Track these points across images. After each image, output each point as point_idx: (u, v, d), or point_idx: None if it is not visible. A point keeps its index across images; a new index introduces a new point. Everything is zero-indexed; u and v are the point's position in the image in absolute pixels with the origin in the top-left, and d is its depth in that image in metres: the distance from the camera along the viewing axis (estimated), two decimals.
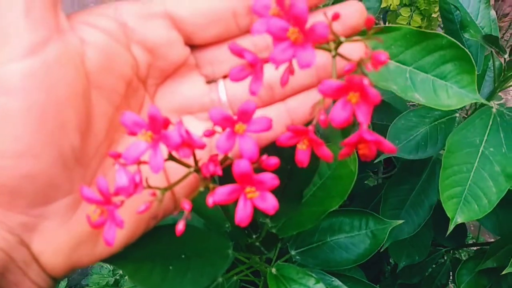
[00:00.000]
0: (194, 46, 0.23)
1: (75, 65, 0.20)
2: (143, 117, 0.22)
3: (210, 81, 0.24)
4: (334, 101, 0.18)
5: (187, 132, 0.18)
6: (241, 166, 0.18)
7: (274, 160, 0.19)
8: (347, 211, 0.57)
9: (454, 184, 0.45)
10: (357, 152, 0.19)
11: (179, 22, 0.22)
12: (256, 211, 0.19)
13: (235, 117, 0.19)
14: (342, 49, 0.19)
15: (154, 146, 0.18)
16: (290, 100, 0.24)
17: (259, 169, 0.19)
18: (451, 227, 0.44)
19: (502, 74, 0.55)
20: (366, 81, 0.16)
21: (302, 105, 0.23)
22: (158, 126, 0.18)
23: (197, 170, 0.20)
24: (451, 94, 0.31)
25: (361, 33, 0.22)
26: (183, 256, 0.29)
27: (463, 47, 0.31)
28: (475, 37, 0.50)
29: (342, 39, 0.18)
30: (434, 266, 0.82)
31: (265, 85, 0.23)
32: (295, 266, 0.49)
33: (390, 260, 0.90)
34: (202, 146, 0.19)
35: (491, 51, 0.61)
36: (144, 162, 0.18)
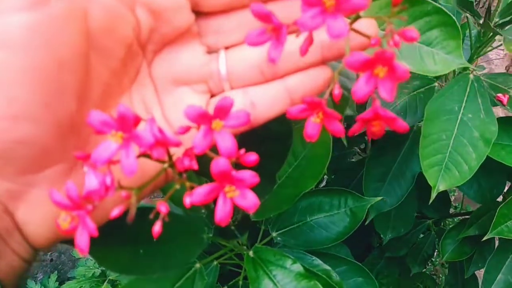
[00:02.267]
0: (200, 13, 0.22)
1: (79, 23, 0.18)
2: (139, 85, 0.22)
3: (211, 51, 0.23)
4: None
5: (160, 130, 0.17)
6: (220, 164, 0.17)
7: (253, 157, 0.19)
8: (326, 190, 0.57)
9: (434, 152, 0.44)
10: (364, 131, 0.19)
11: None
12: None
13: (211, 113, 0.18)
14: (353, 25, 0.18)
15: (126, 147, 0.17)
16: (289, 78, 0.22)
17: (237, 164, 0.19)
18: (433, 195, 0.44)
19: (479, 40, 0.55)
20: (395, 56, 0.16)
21: (302, 84, 0.22)
22: (128, 125, 0.17)
23: (172, 165, 0.19)
24: (438, 60, 0.30)
25: None
26: (154, 240, 0.28)
27: (449, 13, 0.30)
28: (450, 2, 0.49)
29: (361, 13, 0.17)
30: (420, 237, 0.83)
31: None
32: (272, 248, 0.49)
33: (381, 236, 0.91)
34: (177, 144, 0.18)
35: (467, 20, 0.60)
36: (115, 162, 0.17)
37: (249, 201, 0.18)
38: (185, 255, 0.33)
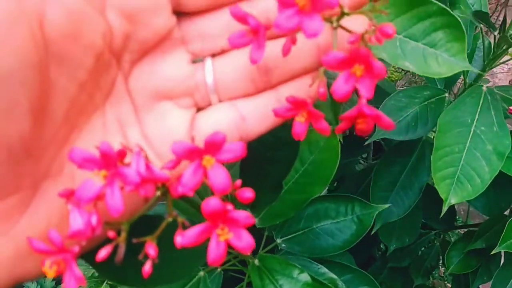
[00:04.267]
0: (182, 15, 0.19)
1: (30, 27, 0.16)
2: (114, 101, 0.19)
3: (196, 60, 0.20)
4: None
5: (148, 166, 0.16)
6: (212, 204, 0.16)
7: (249, 193, 0.18)
8: (333, 197, 0.56)
9: (446, 165, 0.44)
10: (352, 130, 0.18)
11: None
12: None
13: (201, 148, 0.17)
14: (343, 22, 0.17)
15: (110, 185, 0.16)
16: (282, 88, 0.20)
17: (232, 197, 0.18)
18: (444, 208, 0.43)
19: (492, 52, 0.54)
20: (371, 54, 0.16)
21: (295, 93, 0.20)
22: (112, 163, 0.16)
23: (165, 191, 0.18)
24: (441, 62, 0.30)
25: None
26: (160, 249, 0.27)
27: (454, 14, 0.30)
28: (465, 14, 0.48)
29: (346, 10, 0.17)
30: (423, 248, 0.82)
31: (261, 68, 0.20)
32: (278, 256, 0.48)
33: (381, 246, 0.90)
34: (166, 181, 0.17)
35: (480, 30, 0.60)
36: (101, 199, 0.16)
37: (244, 242, 0.17)
38: (191, 264, 0.32)
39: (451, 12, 0.31)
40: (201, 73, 0.20)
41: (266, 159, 0.32)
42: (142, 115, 0.20)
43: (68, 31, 0.17)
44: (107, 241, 0.18)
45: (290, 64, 0.19)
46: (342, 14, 0.17)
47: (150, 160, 0.17)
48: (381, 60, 0.29)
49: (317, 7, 0.15)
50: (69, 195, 0.17)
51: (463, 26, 0.29)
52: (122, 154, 0.17)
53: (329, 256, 0.54)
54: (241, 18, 0.17)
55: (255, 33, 0.17)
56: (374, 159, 0.86)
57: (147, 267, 0.17)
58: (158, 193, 0.18)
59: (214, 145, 0.17)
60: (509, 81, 1.85)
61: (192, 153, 0.17)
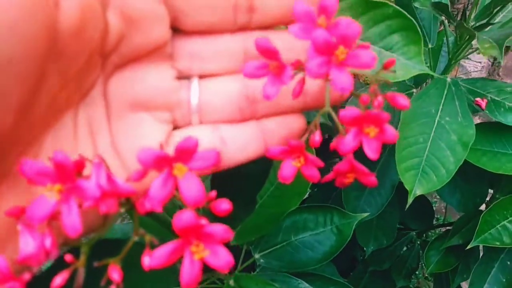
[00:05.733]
0: (177, 31, 0.19)
1: (47, 17, 0.14)
2: (88, 103, 0.18)
3: (182, 77, 0.20)
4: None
5: (110, 178, 0.15)
6: (184, 218, 0.14)
7: (225, 205, 0.16)
8: (310, 207, 0.54)
9: (410, 155, 0.43)
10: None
11: None
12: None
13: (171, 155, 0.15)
14: None
15: (66, 201, 0.14)
16: (266, 121, 0.20)
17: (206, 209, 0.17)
18: (410, 199, 0.42)
19: (456, 44, 0.54)
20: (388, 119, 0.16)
21: (278, 129, 0.20)
22: (68, 175, 0.14)
23: (130, 208, 0.16)
24: (398, 66, 0.29)
25: None
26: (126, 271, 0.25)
27: (409, 16, 0.29)
28: (425, 5, 0.48)
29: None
30: (404, 250, 0.81)
31: (249, 98, 0.20)
32: (254, 275, 0.46)
33: (364, 248, 0.89)
34: (131, 194, 0.15)
35: (444, 27, 0.60)
36: (57, 217, 0.14)
37: (222, 260, 0.15)
38: (161, 285, 0.30)
39: (407, 14, 0.30)
40: (185, 91, 0.19)
41: (238, 173, 0.31)
42: (114, 123, 0.19)
43: (77, 26, 0.15)
44: (62, 265, 0.15)
45: (278, 100, 0.19)
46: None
47: (112, 172, 0.15)
48: None
49: (349, 62, 0.16)
50: (19, 213, 0.15)
51: (418, 28, 0.29)
52: (79, 165, 0.15)
53: (310, 268, 0.52)
54: (267, 51, 0.17)
55: (279, 70, 0.17)
56: None
57: None
58: (122, 209, 0.16)
59: (186, 152, 0.15)
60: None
61: (162, 162, 0.15)
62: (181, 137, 0.18)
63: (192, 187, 0.15)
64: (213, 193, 0.17)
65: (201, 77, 0.19)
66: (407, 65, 0.31)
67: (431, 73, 0.35)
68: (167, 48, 0.19)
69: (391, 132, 0.16)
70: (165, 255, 0.14)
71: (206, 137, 0.19)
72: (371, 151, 0.16)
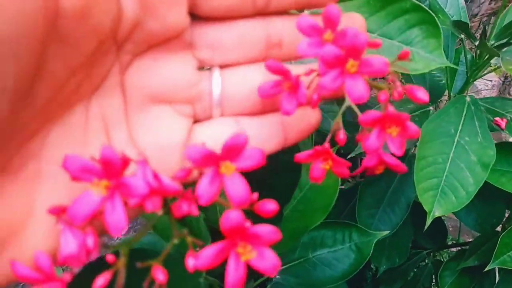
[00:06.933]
0: (196, 18, 0.18)
1: None
2: (102, 95, 0.17)
3: (203, 68, 0.19)
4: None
5: (156, 175, 0.14)
6: (232, 219, 0.14)
7: (271, 205, 0.16)
8: (329, 224, 0.52)
9: (429, 175, 0.42)
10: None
11: None
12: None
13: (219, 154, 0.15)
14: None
15: (111, 198, 0.14)
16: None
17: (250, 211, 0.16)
18: (428, 221, 0.41)
19: (475, 62, 0.54)
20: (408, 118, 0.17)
21: (297, 122, 0.19)
22: (114, 171, 0.14)
23: (167, 211, 0.16)
24: (418, 59, 0.29)
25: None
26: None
27: (428, 9, 0.29)
28: (445, 24, 0.48)
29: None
30: (416, 269, 0.79)
31: None
32: None
33: (372, 266, 0.87)
34: (177, 193, 0.15)
35: (462, 43, 0.59)
36: (99, 216, 0.14)
37: (269, 263, 0.15)
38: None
39: (426, 8, 0.30)
40: (207, 82, 0.19)
41: (263, 184, 0.30)
42: (132, 116, 0.18)
43: (81, 9, 0.14)
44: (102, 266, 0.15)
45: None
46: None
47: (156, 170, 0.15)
48: None
49: (362, 71, 0.16)
50: (60, 211, 0.14)
51: (438, 22, 0.28)
52: (125, 162, 0.14)
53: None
54: (279, 72, 0.17)
55: (293, 87, 0.17)
56: (361, 178, 0.85)
57: None
58: (160, 212, 0.15)
59: (234, 150, 0.15)
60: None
61: (209, 159, 0.15)
62: (204, 133, 0.18)
63: (238, 186, 0.15)
64: (256, 194, 0.16)
65: (222, 67, 0.19)
66: (428, 58, 0.30)
67: (452, 65, 0.35)
68: (186, 36, 0.18)
69: (413, 128, 0.17)
70: (211, 256, 0.14)
71: (230, 132, 0.18)
72: (396, 148, 0.17)
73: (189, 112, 0.19)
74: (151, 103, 0.18)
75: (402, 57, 0.18)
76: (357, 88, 0.16)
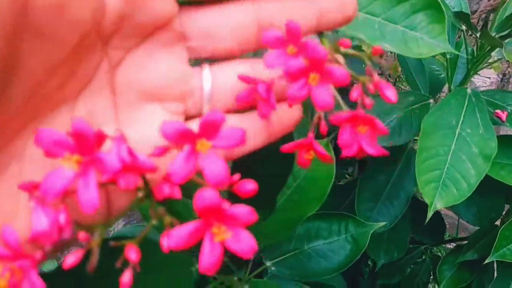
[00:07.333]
0: (184, 8, 0.17)
1: None
2: (90, 93, 0.16)
3: (194, 62, 0.19)
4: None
5: (131, 152, 0.14)
6: (206, 198, 0.13)
7: (250, 185, 0.15)
8: (324, 215, 0.52)
9: (431, 167, 0.41)
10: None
11: None
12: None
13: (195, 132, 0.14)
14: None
15: (84, 174, 0.13)
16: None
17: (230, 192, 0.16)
18: (429, 213, 0.40)
19: (475, 54, 0.53)
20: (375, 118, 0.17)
21: (281, 116, 0.19)
22: (88, 146, 0.13)
23: (148, 193, 0.15)
24: (422, 44, 0.29)
25: None
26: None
27: None
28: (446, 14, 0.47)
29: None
30: (413, 264, 0.79)
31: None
32: (271, 282, 0.44)
33: (369, 262, 0.87)
34: (152, 170, 0.14)
35: (463, 35, 0.59)
36: (71, 194, 0.13)
37: (244, 244, 0.14)
38: None
39: None
40: (197, 77, 0.18)
41: (256, 174, 0.29)
42: (122, 114, 0.17)
43: (55, 1, 0.14)
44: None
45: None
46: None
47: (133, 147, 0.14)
48: (359, 40, 0.28)
49: (325, 82, 0.16)
50: (31, 188, 0.14)
51: (442, 6, 0.28)
52: (99, 138, 0.13)
53: (320, 279, 0.51)
54: (250, 81, 0.18)
55: (263, 99, 0.18)
56: (359, 173, 0.84)
57: (126, 278, 0.14)
58: (140, 193, 0.15)
59: (211, 127, 0.14)
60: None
61: (185, 136, 0.14)
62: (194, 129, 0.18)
63: (215, 165, 0.14)
64: (236, 175, 0.16)
65: (216, 54, 0.18)
66: (432, 43, 0.30)
67: (455, 51, 0.34)
68: (176, 26, 0.17)
69: (381, 126, 0.18)
70: (184, 236, 0.14)
71: None
72: (367, 145, 0.18)
73: (180, 109, 0.18)
74: (143, 100, 0.18)
75: (375, 53, 0.19)
76: (321, 97, 0.16)
